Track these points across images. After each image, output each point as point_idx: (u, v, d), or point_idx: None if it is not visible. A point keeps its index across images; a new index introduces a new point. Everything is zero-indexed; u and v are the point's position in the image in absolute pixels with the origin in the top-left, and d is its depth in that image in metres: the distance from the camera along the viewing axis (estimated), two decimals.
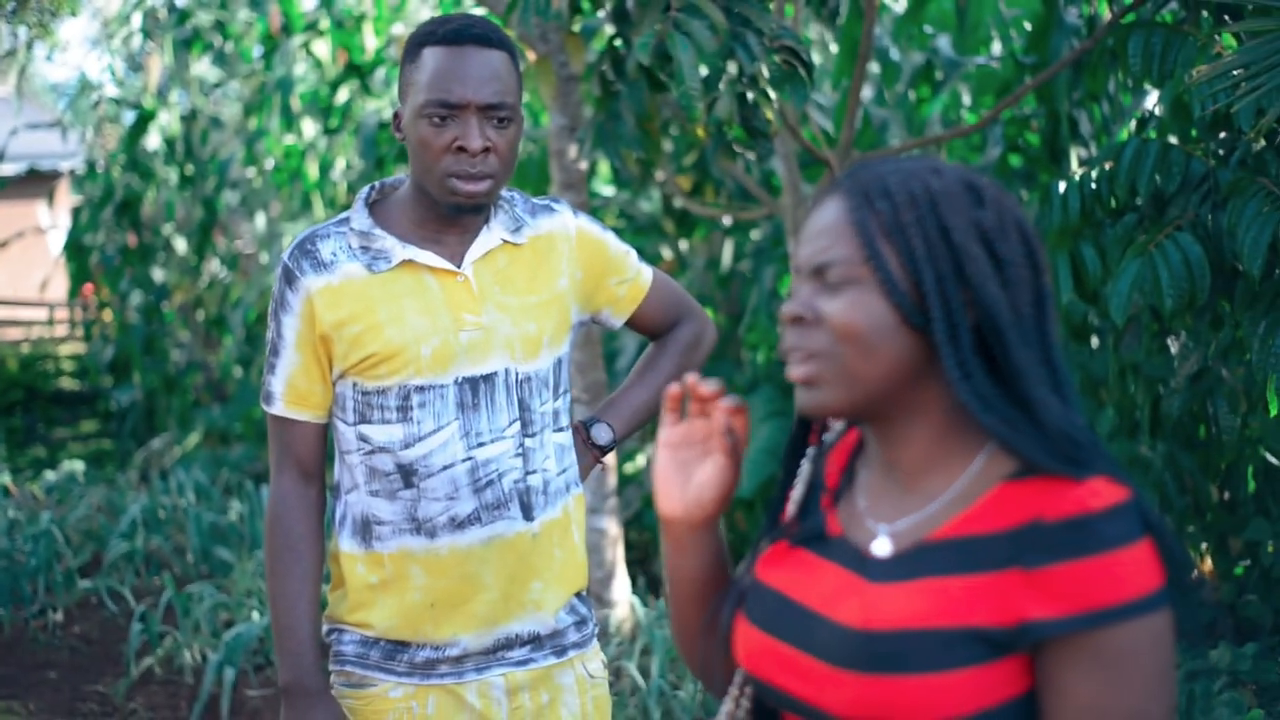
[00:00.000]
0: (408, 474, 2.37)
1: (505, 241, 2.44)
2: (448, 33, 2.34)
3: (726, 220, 6.35)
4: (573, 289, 2.51)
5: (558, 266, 2.49)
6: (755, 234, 6.78)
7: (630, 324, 2.65)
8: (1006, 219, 1.42)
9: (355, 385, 2.38)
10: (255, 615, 5.34)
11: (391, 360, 2.35)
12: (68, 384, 10.05)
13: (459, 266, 2.40)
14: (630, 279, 2.60)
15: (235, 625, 5.24)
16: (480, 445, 2.38)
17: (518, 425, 2.41)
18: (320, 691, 2.38)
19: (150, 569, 6.44)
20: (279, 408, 2.42)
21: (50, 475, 7.89)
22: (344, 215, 2.46)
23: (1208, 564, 4.14)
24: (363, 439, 2.40)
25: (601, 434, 2.62)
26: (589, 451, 2.61)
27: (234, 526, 6.63)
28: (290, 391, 2.41)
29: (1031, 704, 1.35)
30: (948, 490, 1.43)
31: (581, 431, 2.61)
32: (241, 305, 7.85)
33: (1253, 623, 3.98)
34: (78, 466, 8.15)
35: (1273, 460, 3.78)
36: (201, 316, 8.55)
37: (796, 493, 1.58)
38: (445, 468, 2.36)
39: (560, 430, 2.50)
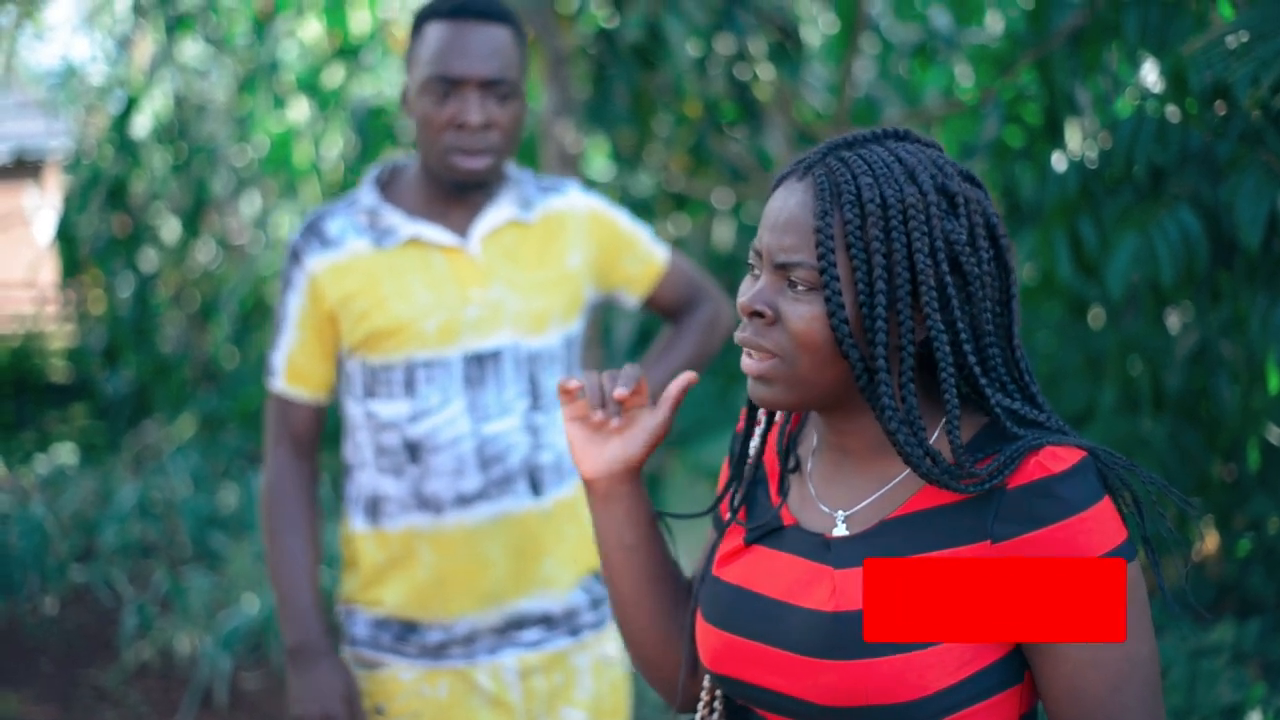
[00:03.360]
0: (414, 450, 2.37)
1: (514, 219, 2.44)
2: (450, 7, 2.33)
3: (722, 201, 6.32)
4: (585, 267, 2.50)
5: (568, 244, 2.48)
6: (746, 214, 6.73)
7: (647, 304, 2.64)
8: (977, 226, 1.38)
9: (363, 362, 2.39)
10: (251, 603, 5.31)
11: (396, 335, 2.35)
12: (58, 372, 9.99)
13: (466, 242, 2.40)
14: (645, 258, 2.59)
15: (230, 613, 5.22)
16: (487, 420, 2.37)
17: (526, 401, 2.40)
18: (326, 651, 2.38)
19: (144, 557, 6.41)
20: (280, 383, 2.45)
21: (42, 463, 7.84)
22: (354, 194, 2.46)
23: (1212, 540, 4.13)
24: (370, 415, 2.40)
25: None
26: None
27: (228, 513, 6.60)
28: (290, 368, 2.43)
29: (1008, 667, 1.36)
30: (904, 470, 1.41)
31: None
32: (235, 291, 7.79)
33: (1257, 599, 3.97)
34: (70, 455, 8.11)
35: (1275, 436, 3.76)
36: (193, 303, 8.49)
37: (741, 483, 1.58)
38: (451, 443, 2.36)
39: None
